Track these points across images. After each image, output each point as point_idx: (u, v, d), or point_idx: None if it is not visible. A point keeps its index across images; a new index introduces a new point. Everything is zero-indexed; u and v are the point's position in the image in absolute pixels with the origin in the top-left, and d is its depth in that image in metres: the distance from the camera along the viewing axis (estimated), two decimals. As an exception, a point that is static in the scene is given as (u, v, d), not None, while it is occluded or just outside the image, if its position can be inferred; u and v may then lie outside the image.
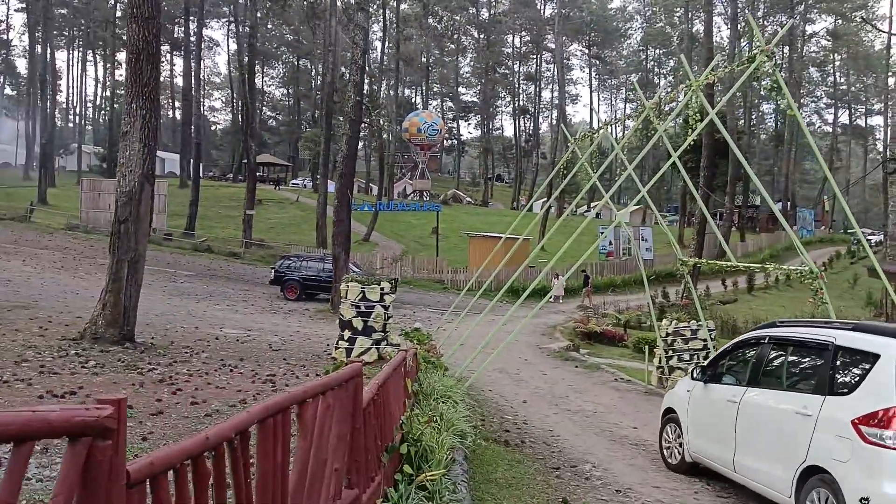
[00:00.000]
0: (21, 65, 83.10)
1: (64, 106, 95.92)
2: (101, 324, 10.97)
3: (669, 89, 10.56)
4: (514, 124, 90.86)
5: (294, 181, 71.03)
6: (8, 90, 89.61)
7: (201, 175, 72.41)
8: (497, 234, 29.01)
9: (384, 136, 59.09)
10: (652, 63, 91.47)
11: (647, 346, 14.61)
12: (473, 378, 9.41)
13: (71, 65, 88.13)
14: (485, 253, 25.65)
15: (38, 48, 55.93)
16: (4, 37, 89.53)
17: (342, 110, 21.48)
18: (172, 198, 46.72)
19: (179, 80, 73.80)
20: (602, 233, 35.51)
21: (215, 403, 7.73)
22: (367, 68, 54.33)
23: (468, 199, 74.32)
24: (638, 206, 62.69)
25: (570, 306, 27.75)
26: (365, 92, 52.40)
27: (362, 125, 53.49)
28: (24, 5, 66.77)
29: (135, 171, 11.18)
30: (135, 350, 10.79)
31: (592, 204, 64.83)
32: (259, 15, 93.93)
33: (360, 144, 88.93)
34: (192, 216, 41.47)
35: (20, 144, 69.66)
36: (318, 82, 72.46)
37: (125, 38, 11.05)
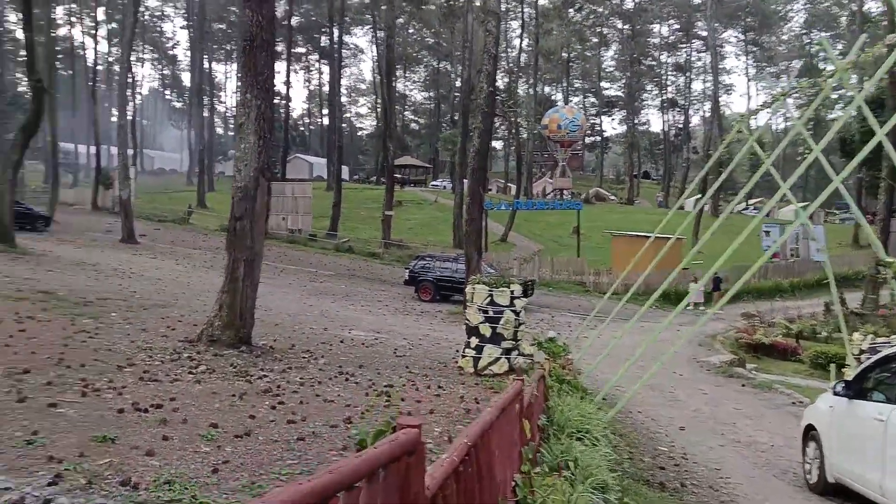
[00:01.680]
0: (186, 78, 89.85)
1: (224, 115, 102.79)
2: (218, 325, 10.46)
3: (865, 45, 8.16)
4: (662, 118, 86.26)
5: (434, 182, 71.32)
6: (176, 103, 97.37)
7: (347, 178, 74.95)
8: (643, 234, 26.74)
9: (523, 134, 57.67)
10: (816, 47, 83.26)
11: (833, 365, 12.19)
12: (623, 402, 7.82)
13: (229, 76, 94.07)
14: (629, 253, 23.51)
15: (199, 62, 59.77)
16: (171, 52, 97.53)
17: (476, 105, 20.40)
18: (318, 200, 48.01)
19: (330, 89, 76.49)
20: (766, 232, 32.06)
21: (315, 423, 6.73)
22: (503, 61, 53.16)
23: (612, 197, 71.15)
24: (806, 203, 56.90)
25: (730, 312, 24.93)
26: (501, 87, 51.27)
27: (498, 119, 52.12)
28: (187, 22, 72.08)
29: (250, 165, 10.58)
30: (250, 354, 10.17)
31: (753, 200, 59.70)
32: (401, 20, 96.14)
33: (500, 144, 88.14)
34: (334, 218, 42.21)
35: (184, 152, 75.23)
36: (458, 84, 72.38)
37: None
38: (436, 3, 67.88)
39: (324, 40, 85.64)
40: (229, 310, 10.45)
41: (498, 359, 11.23)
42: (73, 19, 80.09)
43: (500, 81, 68.77)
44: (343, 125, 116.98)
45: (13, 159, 25.14)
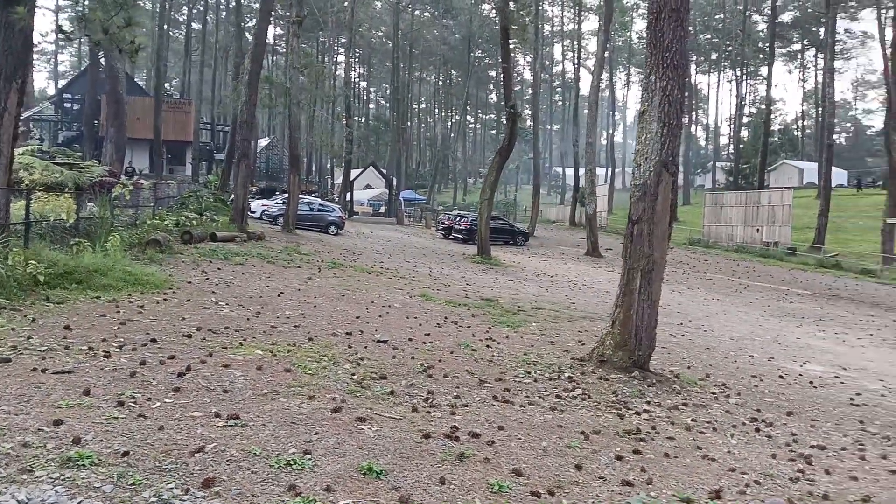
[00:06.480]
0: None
1: (707, 126, 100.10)
2: (609, 344, 9.11)
3: None
4: None
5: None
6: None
7: (845, 184, 64.76)
8: None
9: None
10: None
11: None
12: None
13: (713, 86, 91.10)
14: None
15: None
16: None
17: None
18: (805, 210, 42.41)
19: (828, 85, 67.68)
20: None
21: (662, 490, 4.88)
22: None
23: None
24: None
25: None
26: None
27: None
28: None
29: (651, 159, 8.97)
30: (642, 381, 8.53)
31: None
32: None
33: None
34: (819, 228, 36.41)
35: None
36: None
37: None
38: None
39: (823, 32, 76.43)
40: (622, 327, 9.00)
41: None
42: (570, 54, 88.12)
43: None
44: (846, 124, 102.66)
45: (490, 179, 28.02)
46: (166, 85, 66.14)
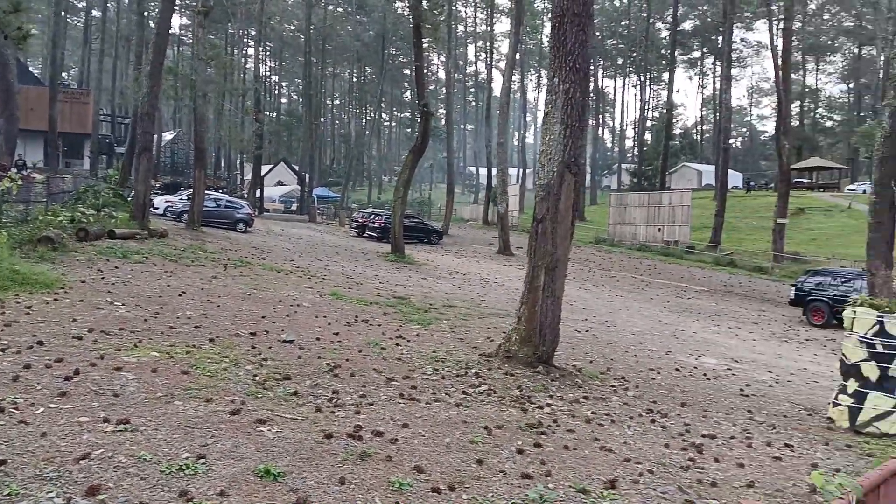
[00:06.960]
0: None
1: (613, 129, 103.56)
2: (515, 340, 9.30)
3: None
4: None
5: (849, 186, 60.71)
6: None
7: (740, 185, 68.59)
8: None
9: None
10: None
11: None
12: None
13: (619, 90, 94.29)
14: None
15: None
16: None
17: (891, 77, 15.78)
18: (703, 210, 44.53)
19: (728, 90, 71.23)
20: None
21: (559, 482, 5.02)
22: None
23: None
24: None
25: None
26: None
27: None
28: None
29: (554, 160, 9.21)
30: (546, 376, 8.75)
31: None
32: (813, 6, 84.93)
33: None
34: (716, 228, 38.38)
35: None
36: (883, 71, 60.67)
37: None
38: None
39: (721, 41, 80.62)
40: (527, 323, 9.20)
41: (889, 413, 7.88)
42: (483, 55, 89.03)
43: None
44: (742, 129, 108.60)
45: (404, 178, 27.98)
46: (63, 74, 62.62)
